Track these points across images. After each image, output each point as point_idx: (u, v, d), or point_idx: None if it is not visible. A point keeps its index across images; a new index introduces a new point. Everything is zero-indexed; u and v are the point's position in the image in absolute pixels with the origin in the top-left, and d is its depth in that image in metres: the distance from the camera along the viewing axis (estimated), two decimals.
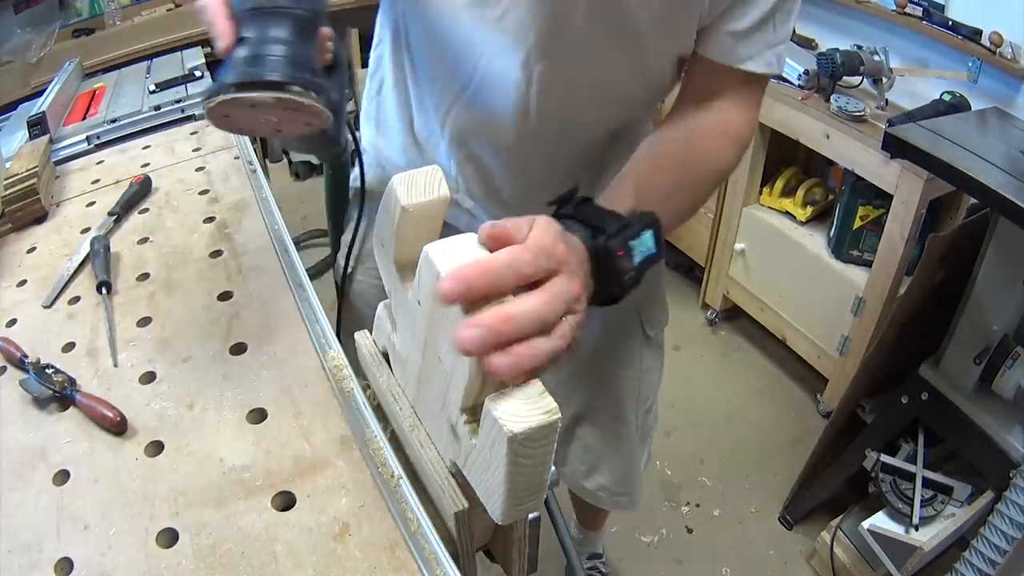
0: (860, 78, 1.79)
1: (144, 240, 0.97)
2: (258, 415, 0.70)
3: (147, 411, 0.70)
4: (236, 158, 1.15)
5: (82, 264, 0.92)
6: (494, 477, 0.47)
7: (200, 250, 0.94)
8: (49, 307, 0.86)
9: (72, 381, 0.73)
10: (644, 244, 0.58)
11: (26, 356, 0.75)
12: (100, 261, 0.89)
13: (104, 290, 0.86)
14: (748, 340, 2.41)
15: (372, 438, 0.67)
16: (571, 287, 0.48)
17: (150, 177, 1.09)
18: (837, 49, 1.76)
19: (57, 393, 0.72)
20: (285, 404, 0.70)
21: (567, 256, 0.49)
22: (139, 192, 1.06)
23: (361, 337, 0.75)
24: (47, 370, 0.73)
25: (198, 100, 1.34)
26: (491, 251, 0.47)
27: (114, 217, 1.00)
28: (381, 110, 0.92)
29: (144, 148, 1.22)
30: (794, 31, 2.16)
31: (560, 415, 0.43)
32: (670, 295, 2.71)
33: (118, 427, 0.69)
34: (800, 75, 1.84)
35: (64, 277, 0.90)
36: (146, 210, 1.04)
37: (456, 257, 0.47)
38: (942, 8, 1.77)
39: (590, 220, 0.57)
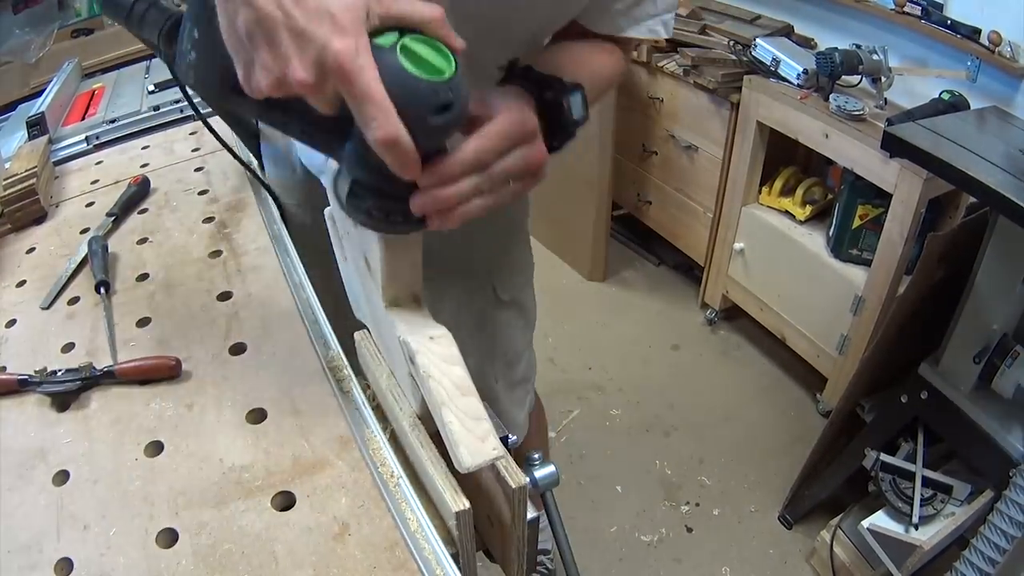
0: (859, 77, 1.79)
1: (143, 240, 0.97)
2: (257, 415, 0.70)
3: (146, 411, 0.70)
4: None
5: (81, 265, 0.93)
6: (429, 397, 0.55)
7: (199, 250, 0.94)
8: (47, 309, 0.86)
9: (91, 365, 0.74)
10: (577, 100, 0.62)
11: (24, 376, 0.74)
12: (98, 261, 0.90)
13: (103, 290, 0.86)
14: (747, 339, 2.41)
15: (372, 438, 0.67)
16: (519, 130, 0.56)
17: (148, 178, 1.09)
18: (836, 48, 1.76)
19: (87, 379, 0.73)
20: (284, 404, 0.70)
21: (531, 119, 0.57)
22: (137, 193, 1.06)
23: (361, 337, 0.75)
24: (57, 373, 0.74)
25: (197, 100, 1.34)
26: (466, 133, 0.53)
27: (112, 218, 1.00)
28: None
29: (143, 148, 1.22)
30: (792, 30, 2.17)
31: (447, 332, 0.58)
32: (669, 294, 2.71)
33: (174, 371, 0.73)
34: (799, 74, 1.84)
35: (62, 279, 0.90)
36: (145, 210, 1.04)
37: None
38: (941, 7, 1.77)
39: (535, 79, 0.63)
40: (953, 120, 1.46)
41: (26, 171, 1.04)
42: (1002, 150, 1.30)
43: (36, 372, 0.74)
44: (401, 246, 0.57)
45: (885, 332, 1.50)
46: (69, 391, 0.72)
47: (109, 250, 0.94)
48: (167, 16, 0.65)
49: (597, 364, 2.32)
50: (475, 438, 0.53)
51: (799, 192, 2.06)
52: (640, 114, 2.42)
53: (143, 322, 0.82)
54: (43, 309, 0.86)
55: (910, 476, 1.44)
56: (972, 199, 1.60)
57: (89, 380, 0.73)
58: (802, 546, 1.76)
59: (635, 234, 2.84)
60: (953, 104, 1.61)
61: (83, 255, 0.93)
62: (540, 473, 0.66)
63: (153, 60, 1.61)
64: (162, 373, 0.73)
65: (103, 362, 0.76)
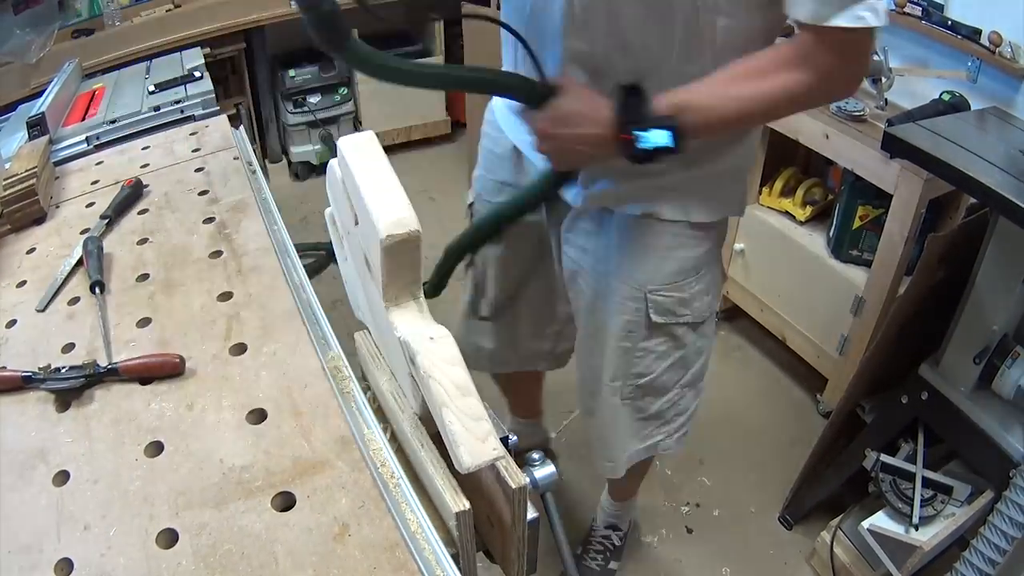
0: None
1: (144, 241, 0.97)
2: (258, 415, 0.70)
3: (147, 412, 0.70)
4: (235, 159, 1.15)
5: (78, 265, 0.93)
6: (429, 397, 0.56)
7: (200, 250, 0.94)
8: (43, 311, 0.86)
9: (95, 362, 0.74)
10: (656, 137, 0.77)
11: (28, 373, 0.75)
12: (93, 261, 0.90)
13: (98, 290, 0.86)
14: (748, 340, 2.41)
15: (372, 438, 0.67)
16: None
17: (141, 180, 1.09)
18: None
19: (91, 376, 0.73)
20: (285, 404, 0.70)
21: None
22: (131, 195, 1.06)
23: (361, 338, 0.75)
24: (60, 370, 0.74)
25: (197, 101, 1.35)
26: None
27: (106, 220, 1.00)
28: None
29: (143, 149, 1.22)
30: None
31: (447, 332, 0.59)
32: None
33: (177, 368, 0.73)
34: None
35: (58, 281, 0.90)
36: (145, 211, 1.04)
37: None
38: (941, 8, 1.77)
39: (630, 105, 0.78)
40: (953, 121, 1.46)
41: (26, 171, 1.04)
42: (1002, 151, 1.30)
43: (40, 369, 0.74)
44: (401, 246, 0.57)
45: (885, 333, 1.50)
46: (73, 387, 0.72)
47: (110, 251, 0.94)
48: None
49: None
50: (475, 439, 0.53)
51: (799, 193, 2.06)
52: None
53: (143, 322, 0.82)
54: (39, 311, 0.86)
55: (910, 477, 1.44)
56: (972, 200, 1.60)
57: (93, 377, 0.73)
58: (802, 547, 1.76)
59: None
60: (953, 105, 1.60)
61: (78, 257, 0.93)
62: (540, 474, 0.66)
63: (153, 61, 1.61)
64: (166, 371, 0.73)
65: (103, 362, 0.76)
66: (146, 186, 1.10)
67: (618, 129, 0.78)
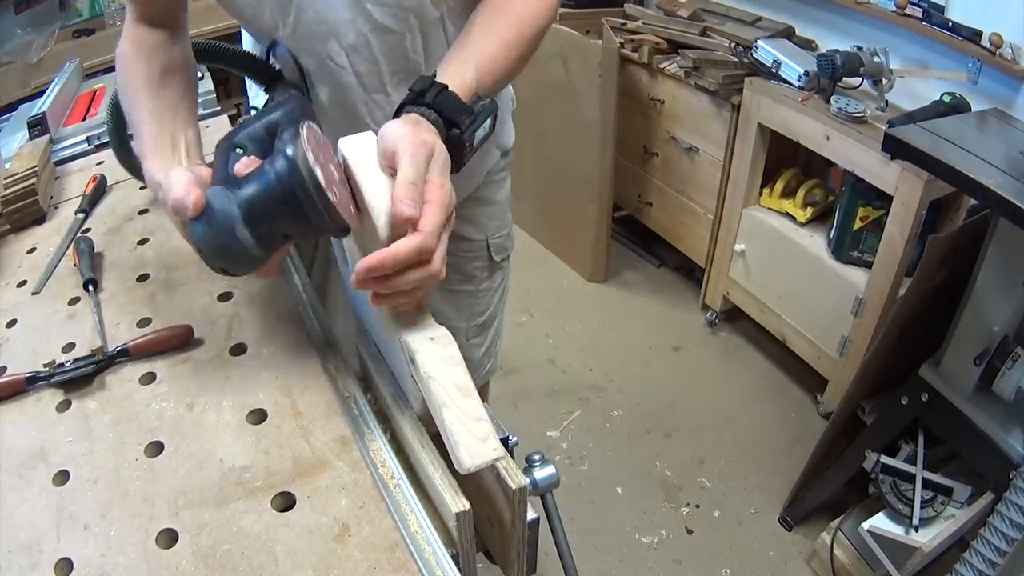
0: (860, 79, 1.79)
1: (144, 241, 0.97)
2: (258, 415, 0.70)
3: (147, 411, 0.70)
4: None
5: (70, 247, 0.95)
6: (429, 397, 0.56)
7: None
8: (38, 293, 0.88)
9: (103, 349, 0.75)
10: (483, 129, 0.67)
11: (32, 372, 0.74)
12: (85, 260, 0.90)
13: (91, 287, 0.87)
14: (748, 341, 2.41)
15: (372, 439, 0.67)
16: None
17: (105, 176, 1.12)
18: (837, 50, 1.76)
19: (100, 362, 0.73)
20: (285, 404, 0.70)
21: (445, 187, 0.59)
22: (96, 192, 1.09)
23: (362, 338, 0.75)
24: (65, 364, 0.74)
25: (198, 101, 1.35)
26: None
27: (83, 215, 1.03)
28: None
29: None
30: (793, 32, 2.17)
31: (447, 332, 0.59)
32: (670, 296, 2.71)
33: (186, 338, 0.75)
34: (800, 76, 1.84)
35: (53, 263, 0.93)
36: (146, 211, 1.04)
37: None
38: (942, 9, 1.77)
39: (446, 114, 0.64)
40: (954, 122, 1.46)
41: (26, 171, 1.05)
42: (1003, 152, 1.30)
43: (45, 366, 0.74)
44: None
45: (886, 334, 1.50)
46: (85, 375, 0.73)
47: (110, 252, 0.95)
48: None
49: (598, 365, 2.32)
50: (475, 439, 0.53)
51: (800, 194, 2.06)
52: (641, 115, 2.42)
53: (144, 322, 0.82)
54: (34, 294, 0.88)
55: (910, 478, 1.44)
56: (973, 201, 1.60)
57: (103, 362, 0.73)
58: (802, 548, 1.76)
59: (636, 235, 2.84)
60: (954, 106, 1.60)
61: (70, 240, 0.95)
62: (540, 474, 0.66)
63: None
64: (175, 343, 0.74)
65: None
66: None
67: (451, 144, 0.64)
